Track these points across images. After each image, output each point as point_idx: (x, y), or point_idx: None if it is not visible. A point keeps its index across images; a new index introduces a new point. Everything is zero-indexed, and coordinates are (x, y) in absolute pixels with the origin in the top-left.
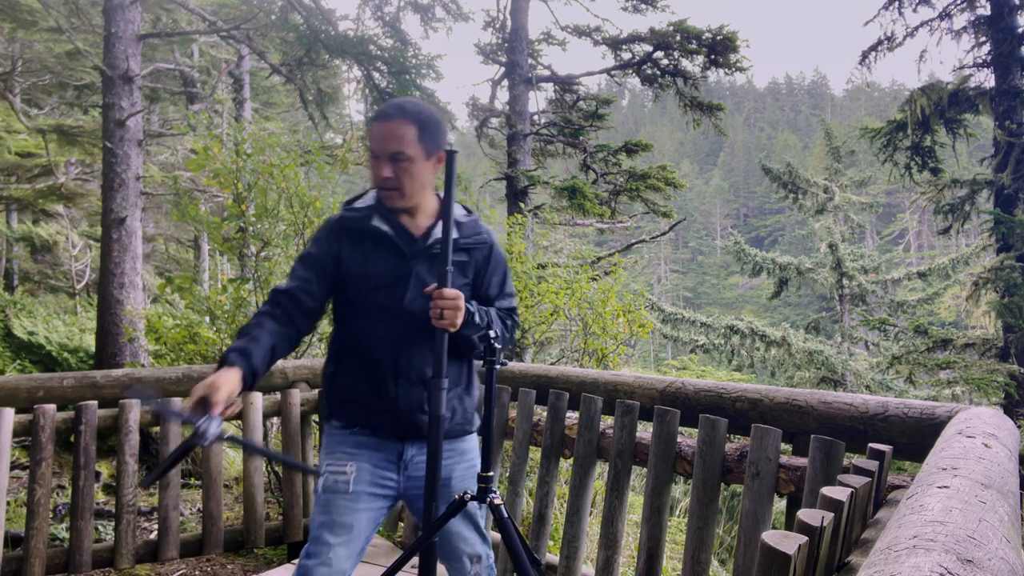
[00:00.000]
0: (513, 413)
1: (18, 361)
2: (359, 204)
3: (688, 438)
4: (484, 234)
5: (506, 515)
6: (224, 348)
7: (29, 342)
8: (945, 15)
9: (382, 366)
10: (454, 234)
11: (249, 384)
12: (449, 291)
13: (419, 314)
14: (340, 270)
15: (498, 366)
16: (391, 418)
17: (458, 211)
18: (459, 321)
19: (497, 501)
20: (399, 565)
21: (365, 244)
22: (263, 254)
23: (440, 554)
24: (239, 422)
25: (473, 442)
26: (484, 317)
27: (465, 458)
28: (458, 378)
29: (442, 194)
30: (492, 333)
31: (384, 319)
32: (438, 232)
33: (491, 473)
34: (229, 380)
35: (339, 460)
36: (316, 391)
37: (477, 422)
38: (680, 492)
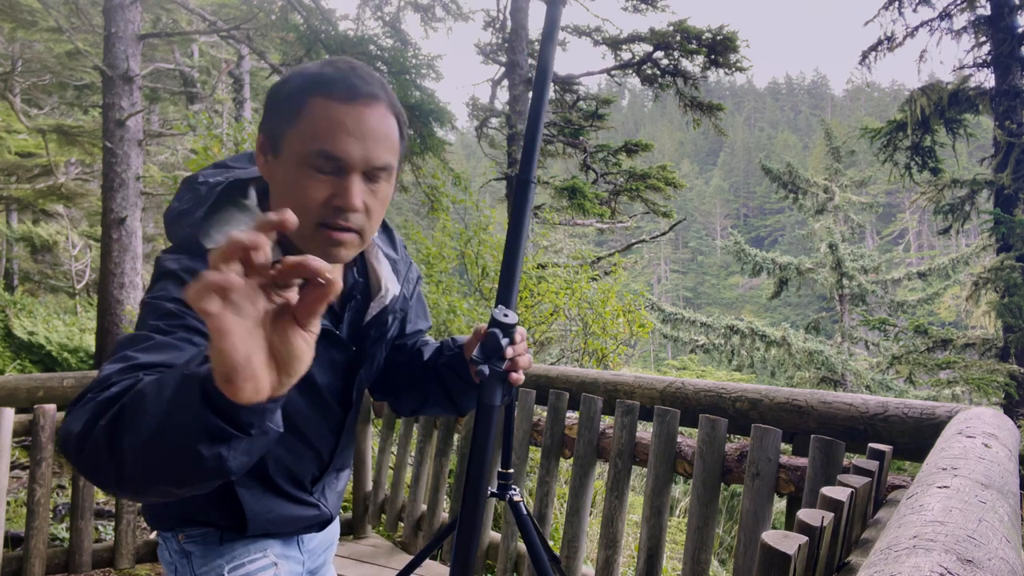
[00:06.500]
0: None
1: (18, 361)
2: None
3: (688, 438)
4: (411, 259)
5: (525, 512)
6: None
7: (29, 342)
8: (945, 15)
9: (314, 460)
10: (396, 290)
11: None
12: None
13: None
14: None
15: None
16: (303, 520)
17: (383, 245)
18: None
19: (517, 498)
20: (418, 561)
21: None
22: None
23: None
24: None
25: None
26: None
27: (335, 543)
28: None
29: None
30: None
31: (316, 416)
32: (385, 294)
33: (511, 470)
34: None
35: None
36: None
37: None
38: (680, 492)
